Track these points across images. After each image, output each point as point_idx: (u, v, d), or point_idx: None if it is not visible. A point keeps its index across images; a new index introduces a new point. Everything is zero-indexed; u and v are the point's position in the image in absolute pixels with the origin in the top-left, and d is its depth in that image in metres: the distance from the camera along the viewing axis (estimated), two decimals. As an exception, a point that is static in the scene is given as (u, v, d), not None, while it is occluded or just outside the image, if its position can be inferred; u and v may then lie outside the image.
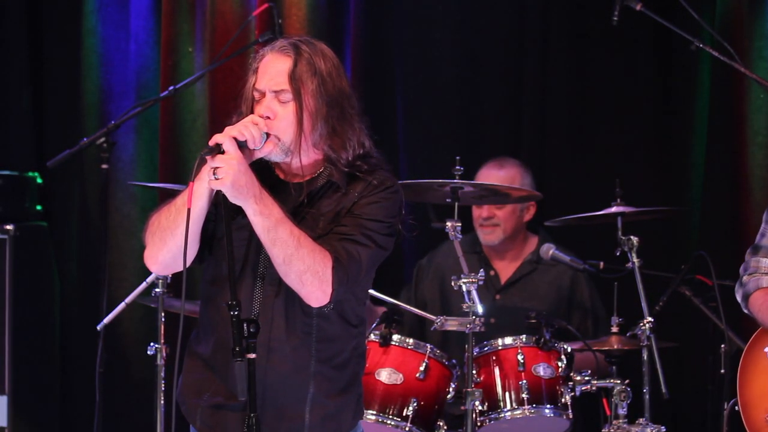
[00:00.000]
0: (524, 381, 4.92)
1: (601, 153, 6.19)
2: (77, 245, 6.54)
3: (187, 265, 3.36)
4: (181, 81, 5.79)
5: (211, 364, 3.47)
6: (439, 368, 4.94)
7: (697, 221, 5.96)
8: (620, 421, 4.95)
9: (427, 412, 4.89)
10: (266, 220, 3.29)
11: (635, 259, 5.10)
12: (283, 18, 6.13)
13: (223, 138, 3.29)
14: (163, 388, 4.93)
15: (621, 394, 4.96)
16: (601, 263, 5.34)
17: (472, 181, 5.32)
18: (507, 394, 4.94)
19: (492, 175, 5.65)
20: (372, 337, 4.91)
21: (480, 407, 4.86)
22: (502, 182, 5.52)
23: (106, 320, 5.07)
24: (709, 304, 5.23)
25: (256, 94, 3.45)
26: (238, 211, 3.34)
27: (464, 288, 4.76)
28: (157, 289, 4.97)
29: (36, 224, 6.36)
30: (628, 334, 5.15)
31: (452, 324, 4.81)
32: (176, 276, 4.74)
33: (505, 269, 5.78)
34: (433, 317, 4.88)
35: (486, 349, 5.00)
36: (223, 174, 3.24)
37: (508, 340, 5.01)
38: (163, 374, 4.93)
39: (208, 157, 3.27)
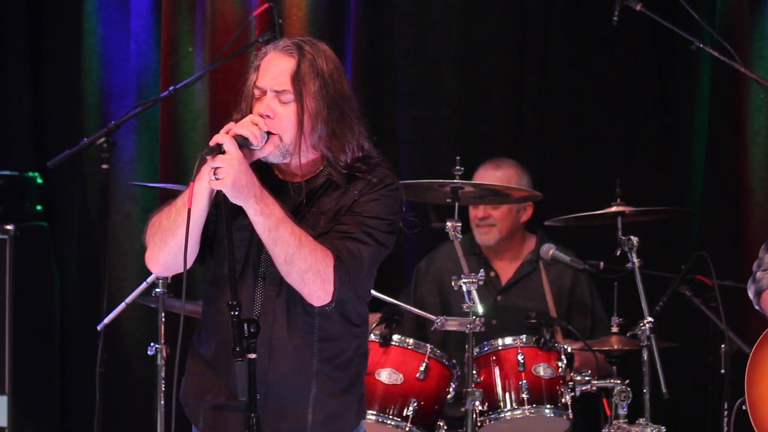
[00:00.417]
0: (524, 381, 4.93)
1: (601, 153, 6.19)
2: (77, 245, 6.54)
3: (188, 265, 3.36)
4: (182, 81, 5.78)
5: (214, 365, 3.47)
6: (439, 368, 4.94)
7: (697, 221, 5.96)
8: (620, 421, 4.95)
9: (427, 412, 4.89)
10: (267, 219, 3.29)
11: (635, 259, 5.10)
12: (283, 18, 6.13)
13: (224, 138, 3.29)
14: (163, 389, 4.94)
15: (621, 394, 4.96)
16: (601, 263, 5.34)
17: (472, 181, 5.32)
18: (507, 394, 4.94)
19: (489, 175, 5.65)
20: (372, 337, 4.91)
21: (480, 407, 4.86)
22: (499, 182, 5.52)
23: (106, 320, 5.07)
24: (710, 304, 5.23)
25: (257, 92, 3.44)
26: (239, 211, 3.34)
27: (464, 288, 4.76)
28: (157, 290, 4.97)
29: (36, 224, 6.36)
30: (628, 334, 5.15)
31: (452, 324, 4.82)
32: (176, 276, 4.72)
33: (506, 270, 5.79)
34: (433, 317, 4.88)
35: (486, 349, 5.00)
36: (224, 174, 3.24)
37: (508, 340, 5.02)
38: (163, 374, 4.94)
39: (208, 157, 3.27)
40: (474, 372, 4.82)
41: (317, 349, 3.43)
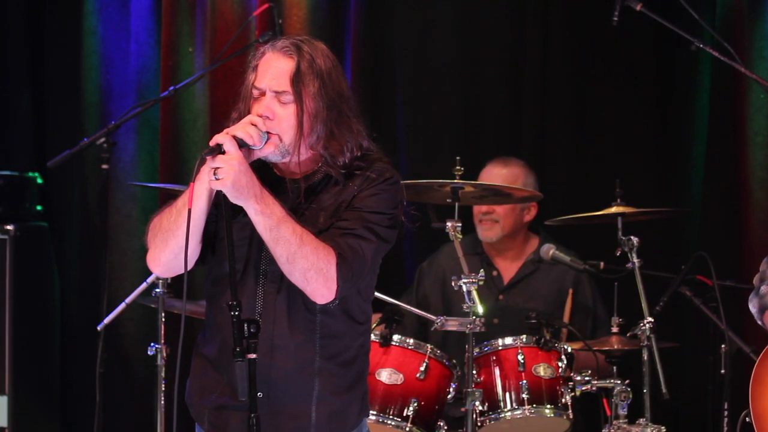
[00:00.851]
0: (524, 381, 4.93)
1: (601, 153, 6.19)
2: (77, 245, 6.54)
3: (190, 266, 3.36)
4: (182, 81, 5.79)
5: (217, 365, 3.47)
6: (439, 368, 4.94)
7: (697, 221, 5.96)
8: (620, 421, 4.95)
9: (427, 412, 4.89)
10: (268, 219, 3.29)
11: (635, 260, 5.10)
12: (283, 18, 6.13)
13: (224, 138, 3.28)
14: (163, 389, 4.93)
15: (621, 394, 4.96)
16: (602, 263, 5.34)
17: (473, 181, 5.32)
18: (507, 394, 4.94)
19: (496, 173, 5.66)
20: (372, 337, 4.90)
21: (480, 407, 4.86)
22: (505, 180, 5.54)
23: (106, 320, 5.08)
24: (710, 304, 5.22)
25: (255, 92, 3.43)
26: (239, 210, 3.33)
27: (464, 288, 4.76)
28: (157, 290, 4.97)
29: (36, 224, 6.36)
30: (628, 335, 5.14)
31: (452, 324, 4.82)
32: (177, 276, 4.71)
33: (508, 269, 5.79)
34: (433, 317, 4.88)
35: (486, 349, 5.00)
36: (224, 174, 3.24)
37: (508, 340, 5.02)
38: (163, 374, 4.93)
39: (208, 158, 3.27)
40: (474, 372, 4.82)
41: (319, 347, 3.43)
